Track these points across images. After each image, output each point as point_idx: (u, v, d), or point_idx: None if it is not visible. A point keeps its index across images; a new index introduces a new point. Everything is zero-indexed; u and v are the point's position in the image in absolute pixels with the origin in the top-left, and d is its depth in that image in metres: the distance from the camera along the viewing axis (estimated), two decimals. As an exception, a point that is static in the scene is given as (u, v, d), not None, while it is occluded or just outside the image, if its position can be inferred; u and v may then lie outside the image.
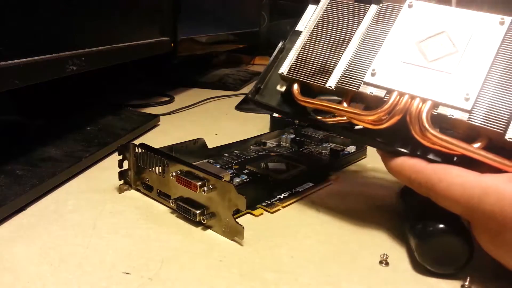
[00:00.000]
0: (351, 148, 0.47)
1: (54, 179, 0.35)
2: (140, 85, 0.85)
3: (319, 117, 0.32)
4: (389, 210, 0.35)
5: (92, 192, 0.36)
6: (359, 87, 0.29)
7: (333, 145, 0.48)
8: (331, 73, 0.30)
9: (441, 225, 0.26)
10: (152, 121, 0.56)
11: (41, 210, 0.32)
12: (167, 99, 0.72)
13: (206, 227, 0.31)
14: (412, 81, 0.28)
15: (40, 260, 0.26)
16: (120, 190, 0.36)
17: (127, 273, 0.25)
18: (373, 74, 0.29)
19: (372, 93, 0.28)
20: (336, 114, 0.30)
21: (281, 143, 0.49)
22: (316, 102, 0.30)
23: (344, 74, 0.30)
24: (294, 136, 0.49)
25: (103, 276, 0.25)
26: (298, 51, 0.32)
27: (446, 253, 0.25)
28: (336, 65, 0.30)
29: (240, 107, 0.69)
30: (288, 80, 0.32)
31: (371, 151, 0.47)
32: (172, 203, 0.32)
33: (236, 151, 0.44)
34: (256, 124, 0.58)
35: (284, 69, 0.32)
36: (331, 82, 0.30)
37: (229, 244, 0.29)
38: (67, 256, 0.27)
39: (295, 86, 0.31)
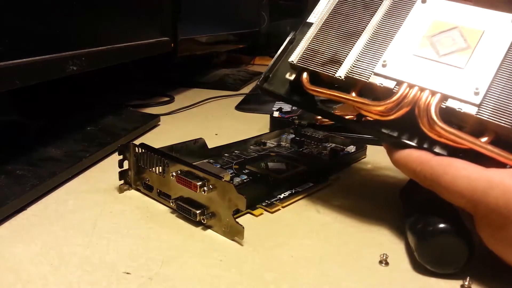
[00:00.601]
0: (351, 148, 0.47)
1: (54, 179, 0.35)
2: (140, 85, 0.85)
3: (329, 110, 0.32)
4: (389, 210, 0.35)
5: (93, 192, 0.36)
6: (369, 78, 0.29)
7: (333, 145, 0.48)
8: (342, 63, 0.30)
9: (441, 225, 0.26)
10: (152, 121, 0.56)
11: (42, 210, 0.32)
12: (167, 99, 0.72)
13: (206, 227, 0.31)
14: (422, 74, 0.28)
15: (40, 260, 0.26)
16: (120, 190, 0.36)
17: (127, 273, 0.25)
18: (384, 65, 0.29)
19: (382, 84, 0.29)
20: (344, 103, 0.30)
21: (281, 143, 0.49)
22: (325, 91, 0.30)
23: (355, 64, 0.30)
24: (294, 136, 0.49)
25: (104, 276, 0.25)
26: (309, 41, 0.32)
27: (446, 253, 0.26)
28: (347, 56, 0.30)
29: (240, 107, 0.69)
30: (297, 69, 0.32)
31: (371, 151, 0.47)
32: (172, 203, 0.32)
33: (236, 151, 0.44)
34: (256, 124, 0.59)
35: (294, 57, 0.32)
36: (341, 72, 0.30)
37: (229, 244, 0.29)
38: (68, 256, 0.27)
39: (304, 75, 0.32)
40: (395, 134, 0.29)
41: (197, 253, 0.28)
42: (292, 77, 0.32)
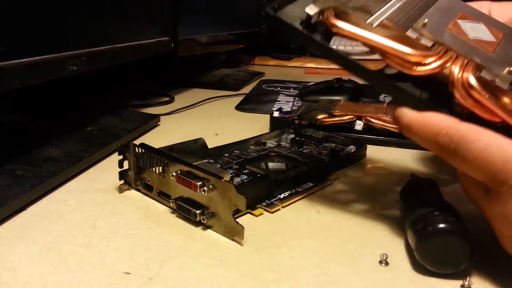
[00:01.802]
0: (351, 148, 0.47)
1: (54, 179, 0.36)
2: (140, 85, 0.85)
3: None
4: (389, 210, 0.35)
5: (93, 192, 0.36)
6: (407, 30, 0.28)
7: (333, 145, 0.48)
8: (373, 14, 0.28)
9: (441, 225, 0.26)
10: (152, 121, 0.56)
11: (42, 210, 0.32)
12: (167, 99, 0.72)
13: (206, 227, 0.31)
14: (459, 43, 0.28)
15: (40, 260, 0.26)
16: (120, 190, 0.36)
17: (127, 273, 0.25)
18: (424, 24, 0.28)
19: (419, 39, 0.27)
20: (374, 47, 0.28)
21: (281, 143, 0.49)
22: (354, 30, 0.27)
23: (391, 15, 0.28)
24: (294, 136, 0.49)
25: (104, 276, 0.25)
26: None
27: (446, 253, 0.26)
28: (381, 8, 0.29)
29: (240, 107, 0.69)
30: (321, 6, 0.29)
31: (371, 151, 0.48)
32: (172, 203, 0.32)
33: (236, 151, 0.44)
34: (256, 124, 0.59)
35: None
36: (375, 19, 0.28)
37: (229, 244, 0.29)
38: (68, 256, 0.27)
39: (329, 12, 0.28)
40: (418, 94, 0.27)
41: (197, 253, 0.28)
42: (314, 11, 0.28)
